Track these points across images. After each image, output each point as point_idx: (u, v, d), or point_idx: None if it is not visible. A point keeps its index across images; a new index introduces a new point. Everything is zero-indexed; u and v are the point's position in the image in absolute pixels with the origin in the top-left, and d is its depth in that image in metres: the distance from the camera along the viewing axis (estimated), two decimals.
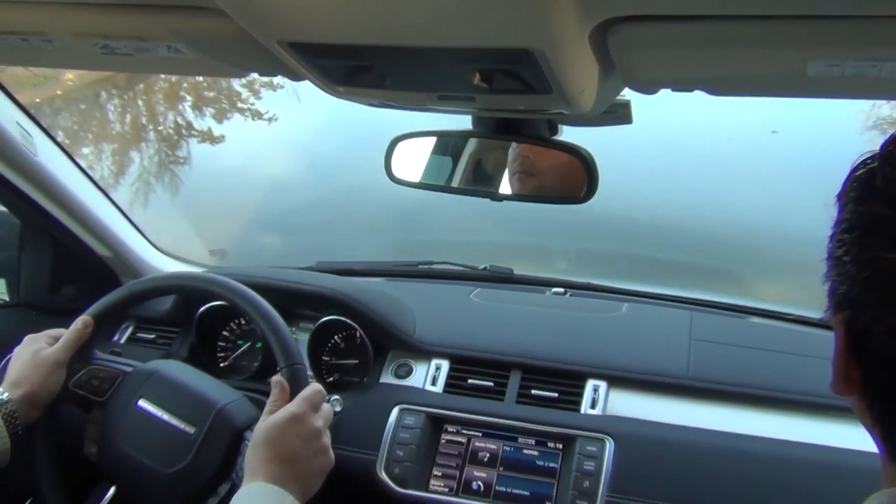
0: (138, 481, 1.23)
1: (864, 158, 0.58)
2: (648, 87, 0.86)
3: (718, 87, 0.83)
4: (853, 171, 0.58)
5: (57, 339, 1.28)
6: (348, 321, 1.53)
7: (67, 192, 1.52)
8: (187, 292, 1.51)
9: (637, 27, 0.69)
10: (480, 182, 1.33)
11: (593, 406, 1.38)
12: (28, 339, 1.28)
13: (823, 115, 4.83)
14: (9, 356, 1.27)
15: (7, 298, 1.73)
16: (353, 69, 0.84)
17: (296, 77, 0.95)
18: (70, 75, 6.73)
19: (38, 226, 1.61)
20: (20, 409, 1.19)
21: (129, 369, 1.31)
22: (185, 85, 7.37)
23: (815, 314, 1.69)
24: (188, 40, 0.87)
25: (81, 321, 1.29)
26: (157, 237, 1.84)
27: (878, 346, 0.53)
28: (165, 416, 1.23)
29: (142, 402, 1.25)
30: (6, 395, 1.18)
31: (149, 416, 1.24)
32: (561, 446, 1.34)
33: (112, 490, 1.26)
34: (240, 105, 7.01)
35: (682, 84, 0.82)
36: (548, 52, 0.70)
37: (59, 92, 6.88)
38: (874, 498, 0.57)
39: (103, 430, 1.27)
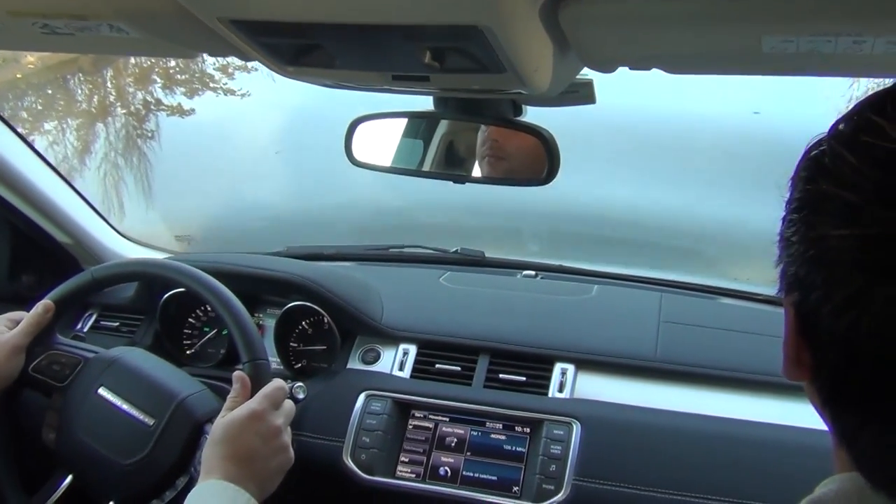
0: (95, 471, 1.21)
1: (818, 139, 0.57)
2: (605, 66, 0.84)
3: (675, 65, 0.82)
4: (807, 151, 0.57)
5: (17, 323, 1.27)
6: (315, 307, 1.51)
7: (22, 178, 1.49)
8: (150, 279, 1.48)
9: (588, 3, 0.67)
10: (452, 165, 1.31)
11: (561, 390, 1.37)
12: None
13: (806, 98, 4.84)
14: None
15: None
16: (300, 48, 0.81)
17: (245, 57, 0.92)
18: (31, 58, 6.61)
19: None
20: None
21: (90, 355, 1.29)
22: (157, 70, 7.26)
23: None
24: (129, 19, 0.84)
25: (42, 305, 1.27)
26: (125, 221, 1.81)
27: (826, 326, 0.52)
28: (125, 406, 1.21)
29: (101, 391, 1.23)
30: None
31: (108, 404, 1.22)
32: (528, 430, 1.33)
33: (69, 478, 1.24)
34: (212, 85, 6.93)
35: (639, 62, 0.81)
36: (496, 28, 0.68)
37: (19, 75, 6.76)
38: (824, 484, 0.56)
39: (62, 416, 1.25)
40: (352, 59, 0.84)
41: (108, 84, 7.30)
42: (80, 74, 7.15)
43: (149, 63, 7.15)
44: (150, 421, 1.19)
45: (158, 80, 7.14)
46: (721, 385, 1.36)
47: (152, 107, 6.55)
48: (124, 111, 6.57)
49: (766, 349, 1.42)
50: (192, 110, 6.40)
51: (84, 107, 6.82)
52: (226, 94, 6.67)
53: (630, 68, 0.83)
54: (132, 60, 7.08)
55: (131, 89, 7.11)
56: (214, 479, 1.03)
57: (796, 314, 0.56)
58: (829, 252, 0.51)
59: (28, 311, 1.28)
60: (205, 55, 0.98)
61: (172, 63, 7.01)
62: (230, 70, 6.83)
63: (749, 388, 1.35)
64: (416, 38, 0.74)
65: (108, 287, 1.40)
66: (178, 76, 7.17)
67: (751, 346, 1.44)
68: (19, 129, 1.50)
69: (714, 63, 0.81)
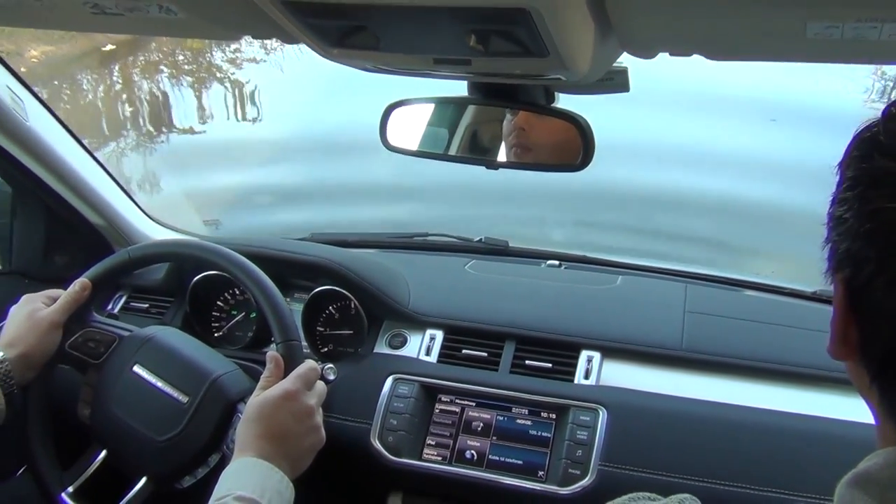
0: (129, 446, 1.23)
1: (868, 122, 0.58)
2: (646, 51, 0.85)
3: (716, 50, 0.82)
4: (857, 135, 0.59)
5: (54, 300, 1.28)
6: (343, 291, 1.53)
7: (60, 159, 1.51)
8: (186, 260, 1.50)
9: None
10: (477, 153, 1.32)
11: (587, 377, 1.38)
12: (25, 298, 1.28)
13: (821, 107, 4.86)
14: (2, 322, 1.27)
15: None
16: (346, 30, 0.83)
17: (289, 39, 0.93)
18: (34, 52, 6.67)
19: (31, 193, 1.60)
20: (15, 368, 1.19)
21: (125, 334, 1.31)
22: (165, 62, 7.35)
23: (811, 288, 1.70)
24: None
25: (79, 283, 1.29)
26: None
27: (879, 299, 0.53)
28: (159, 384, 1.23)
29: (136, 368, 1.25)
30: (1, 354, 1.18)
31: (143, 382, 1.24)
32: (554, 416, 1.35)
33: (103, 454, 1.26)
34: (219, 75, 7.00)
35: (680, 48, 0.81)
36: (544, 11, 0.69)
37: (23, 69, 6.85)
38: (868, 459, 0.57)
39: (97, 392, 1.27)
40: (396, 42, 0.85)
41: (115, 77, 7.37)
42: (87, 70, 7.23)
43: (155, 56, 7.23)
44: (184, 398, 1.21)
45: (165, 69, 7.21)
46: (746, 375, 1.37)
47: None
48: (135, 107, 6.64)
49: (791, 340, 1.44)
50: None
51: (91, 98, 6.88)
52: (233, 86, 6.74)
53: (670, 54, 0.84)
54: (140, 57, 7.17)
55: (137, 79, 7.19)
56: (248, 456, 1.04)
57: (846, 290, 0.57)
58: (885, 225, 0.52)
59: (65, 289, 1.30)
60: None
61: (181, 58, 7.08)
62: (239, 62, 6.91)
63: (773, 377, 1.36)
64: (462, 20, 0.75)
65: (143, 267, 1.42)
66: (186, 66, 7.25)
67: (776, 337, 1.45)
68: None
69: (756, 49, 0.82)
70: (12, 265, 1.71)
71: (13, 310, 1.27)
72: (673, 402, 1.33)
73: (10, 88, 1.36)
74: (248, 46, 6.82)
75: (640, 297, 1.61)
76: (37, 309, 1.25)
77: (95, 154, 1.65)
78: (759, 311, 1.58)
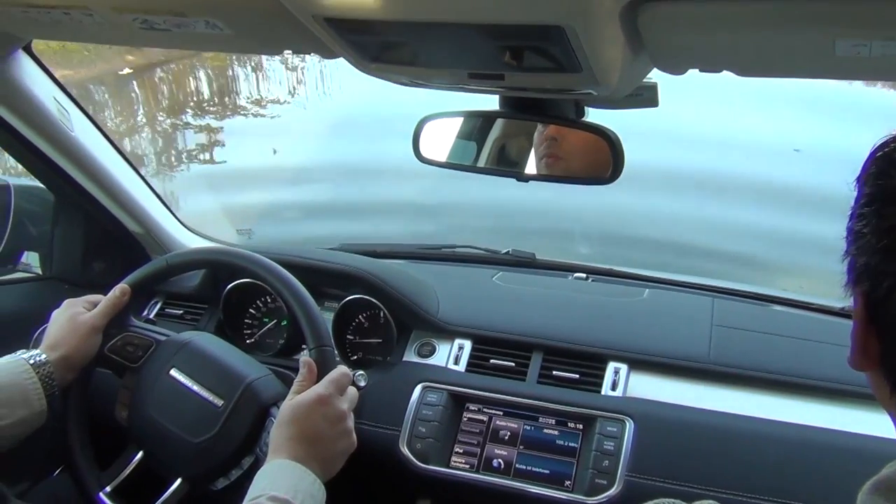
0: (165, 448, 1.26)
1: (884, 140, 0.60)
2: (676, 68, 0.87)
3: (746, 67, 0.84)
4: (873, 152, 0.60)
5: (95, 305, 1.32)
6: (373, 300, 1.56)
7: (102, 168, 1.55)
8: (222, 267, 1.53)
9: (667, 5, 0.70)
10: (505, 166, 1.34)
11: (614, 388, 1.39)
12: (67, 303, 1.31)
13: (846, 137, 4.89)
14: (44, 326, 1.31)
15: (40, 271, 1.78)
16: (385, 45, 0.86)
17: (329, 55, 0.97)
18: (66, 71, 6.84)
19: (72, 201, 1.65)
20: (56, 370, 1.22)
21: (163, 338, 1.34)
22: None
23: (839, 304, 1.69)
24: (226, 16, 0.89)
25: (119, 289, 1.33)
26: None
27: None
28: (195, 387, 1.26)
29: (173, 372, 1.28)
30: (44, 356, 1.22)
31: (179, 385, 1.27)
32: (581, 426, 1.36)
33: (139, 455, 1.29)
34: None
35: (710, 65, 0.84)
36: (578, 28, 0.72)
37: None
38: (890, 466, 0.58)
39: (135, 395, 1.30)
40: (433, 57, 0.88)
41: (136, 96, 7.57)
42: (103, 87, 7.42)
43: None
44: (219, 402, 1.23)
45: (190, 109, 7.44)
46: (773, 388, 1.37)
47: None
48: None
49: (818, 355, 1.43)
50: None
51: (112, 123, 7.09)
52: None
53: (700, 70, 0.86)
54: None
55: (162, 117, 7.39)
56: (282, 458, 1.06)
57: (866, 303, 0.58)
58: None
59: (104, 294, 1.34)
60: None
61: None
62: (263, 103, 7.09)
63: (801, 391, 1.36)
64: (498, 36, 0.78)
65: (181, 273, 1.45)
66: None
67: (803, 351, 1.45)
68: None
69: (786, 66, 0.83)
70: (53, 271, 1.76)
71: (55, 314, 1.30)
72: (699, 414, 1.33)
73: (56, 100, 1.41)
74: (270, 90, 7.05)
75: (667, 309, 1.62)
76: (78, 313, 1.29)
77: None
78: (787, 325, 1.57)
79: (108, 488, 1.27)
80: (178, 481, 1.24)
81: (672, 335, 1.48)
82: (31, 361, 1.20)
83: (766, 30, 0.72)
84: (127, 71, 8.01)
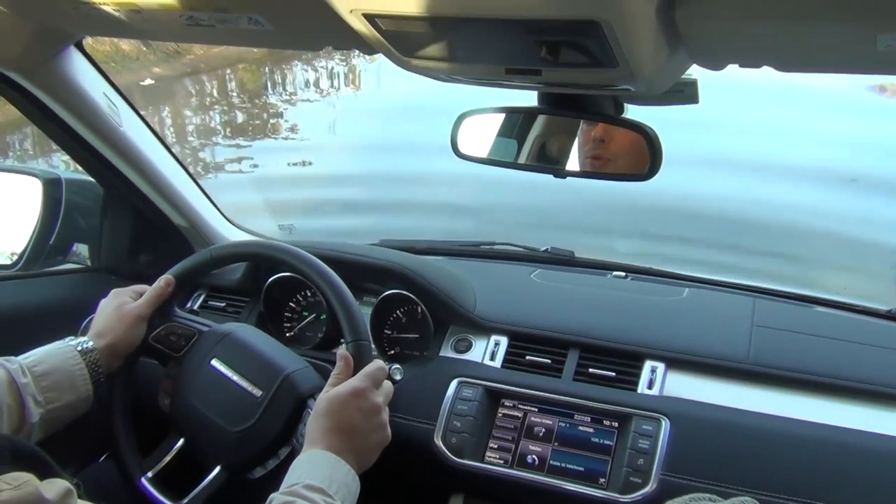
0: (205, 436, 1.29)
1: None
2: (715, 63, 0.86)
3: (786, 63, 0.84)
4: None
5: (141, 295, 1.35)
6: (410, 295, 1.57)
7: (149, 162, 1.59)
8: (263, 260, 1.56)
9: None
10: (546, 164, 1.34)
11: (650, 386, 1.39)
12: (114, 292, 1.35)
13: None
14: (92, 315, 1.35)
15: (89, 262, 1.83)
16: (423, 40, 0.87)
17: (368, 51, 0.98)
18: None
19: (121, 194, 1.69)
20: (103, 358, 1.26)
21: (205, 329, 1.37)
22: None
23: (884, 306, 1.66)
24: (267, 11, 0.91)
25: (164, 279, 1.36)
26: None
27: None
28: (235, 377, 1.29)
29: (214, 362, 1.31)
30: (91, 343, 1.25)
31: (220, 375, 1.29)
32: (616, 424, 1.35)
33: (180, 442, 1.32)
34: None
35: (749, 59, 0.83)
36: (614, 22, 0.72)
37: None
38: None
39: (177, 383, 1.34)
40: (471, 53, 0.89)
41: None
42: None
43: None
44: (257, 392, 1.26)
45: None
46: (813, 390, 1.35)
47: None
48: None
49: (862, 357, 1.41)
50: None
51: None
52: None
53: (740, 65, 0.85)
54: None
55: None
56: (318, 448, 1.08)
57: None
58: None
59: (149, 285, 1.37)
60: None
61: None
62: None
63: (842, 394, 1.33)
64: (535, 31, 0.78)
65: (223, 265, 1.49)
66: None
67: (846, 353, 1.42)
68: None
69: (826, 61, 0.82)
70: (101, 262, 1.81)
71: (103, 303, 1.34)
72: (737, 414, 1.32)
73: (106, 96, 1.45)
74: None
75: (706, 309, 1.60)
76: (124, 302, 1.33)
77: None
78: (830, 327, 1.55)
79: (149, 474, 1.30)
80: (218, 469, 1.27)
81: (711, 334, 1.47)
82: (79, 348, 1.24)
83: (806, 22, 0.71)
84: (149, 82, 8.23)
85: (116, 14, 1.02)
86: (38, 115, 1.43)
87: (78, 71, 1.40)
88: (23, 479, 0.68)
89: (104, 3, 0.99)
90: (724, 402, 1.35)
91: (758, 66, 0.84)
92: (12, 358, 1.18)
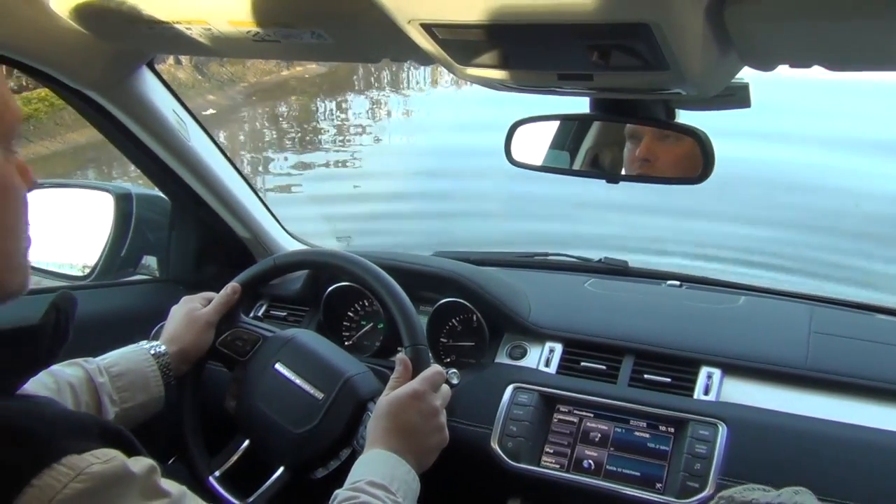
0: (270, 437, 1.33)
1: None
2: (765, 63, 0.87)
3: (837, 62, 0.84)
4: None
5: (209, 302, 1.41)
6: (466, 304, 1.60)
7: (215, 176, 1.66)
8: (324, 268, 1.60)
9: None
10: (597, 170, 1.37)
11: (706, 392, 1.38)
12: (184, 299, 1.42)
13: None
14: (162, 322, 1.41)
15: (158, 274, 1.91)
16: (478, 48, 0.90)
17: (425, 61, 1.02)
18: None
19: (187, 207, 1.76)
20: (173, 362, 1.32)
21: (269, 334, 1.42)
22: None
23: None
24: (330, 26, 0.96)
25: (230, 287, 1.42)
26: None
27: None
28: (298, 381, 1.33)
29: (278, 366, 1.35)
30: (163, 347, 1.32)
31: (284, 378, 1.34)
32: (673, 430, 1.35)
33: (246, 443, 1.37)
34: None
35: (800, 59, 0.84)
36: (663, 25, 0.74)
37: None
38: None
39: (242, 387, 1.38)
40: (524, 59, 0.92)
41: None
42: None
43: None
44: (319, 395, 1.30)
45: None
46: (872, 396, 1.33)
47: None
48: None
49: None
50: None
51: None
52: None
53: (791, 66, 0.86)
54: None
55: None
56: (379, 448, 1.12)
57: None
58: None
59: (216, 293, 1.43)
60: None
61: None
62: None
63: None
64: (586, 36, 0.81)
65: (285, 273, 1.53)
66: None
67: None
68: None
69: (879, 59, 0.83)
70: (169, 273, 1.88)
71: (174, 309, 1.40)
72: (795, 420, 1.31)
73: (175, 112, 1.52)
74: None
75: (763, 316, 1.59)
76: (194, 309, 1.39)
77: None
78: (889, 334, 1.52)
79: (217, 473, 1.34)
80: (281, 469, 1.31)
81: (768, 340, 1.46)
82: (152, 351, 1.30)
83: (856, 19, 0.72)
84: (211, 111, 8.50)
85: (188, 33, 1.08)
86: (112, 131, 1.52)
87: (150, 89, 1.47)
88: (111, 455, 0.72)
89: (178, 23, 1.05)
90: (781, 407, 1.34)
91: (808, 65, 0.85)
92: (90, 359, 1.24)
